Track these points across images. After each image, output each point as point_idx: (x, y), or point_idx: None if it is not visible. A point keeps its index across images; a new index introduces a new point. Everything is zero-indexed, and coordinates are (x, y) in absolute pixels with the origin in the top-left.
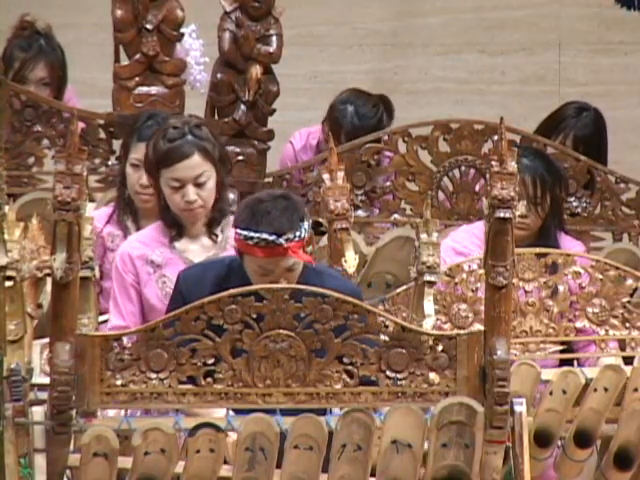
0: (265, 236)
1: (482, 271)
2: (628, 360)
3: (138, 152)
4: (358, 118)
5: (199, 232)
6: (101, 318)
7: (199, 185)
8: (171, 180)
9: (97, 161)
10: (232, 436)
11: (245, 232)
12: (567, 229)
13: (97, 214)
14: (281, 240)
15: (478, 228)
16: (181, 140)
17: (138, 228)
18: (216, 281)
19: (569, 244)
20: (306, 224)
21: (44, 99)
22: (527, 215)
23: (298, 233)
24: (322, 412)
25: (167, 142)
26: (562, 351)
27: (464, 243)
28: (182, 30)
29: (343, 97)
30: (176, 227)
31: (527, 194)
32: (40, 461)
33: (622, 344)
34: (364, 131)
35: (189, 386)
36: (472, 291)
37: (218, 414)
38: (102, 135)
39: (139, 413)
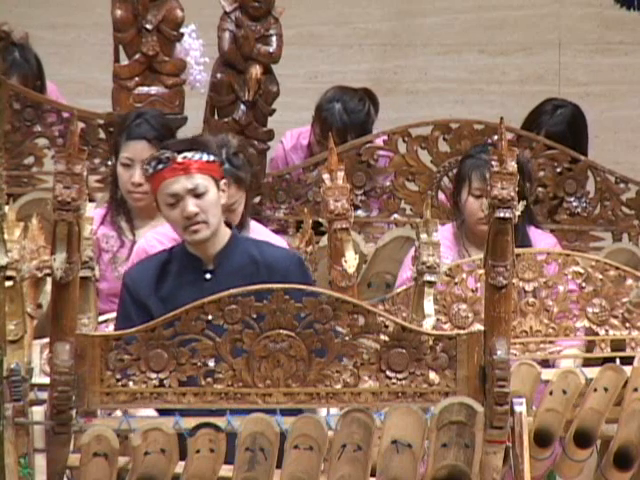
0: (160, 155)
1: (482, 271)
2: (628, 360)
3: (128, 151)
4: (347, 114)
5: None
6: (101, 318)
7: (230, 211)
8: None
9: (97, 161)
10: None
11: (145, 161)
12: (538, 223)
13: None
14: (178, 156)
15: (447, 230)
16: None
17: (132, 228)
18: (158, 268)
19: (539, 237)
20: (212, 157)
21: (44, 99)
22: None
23: (198, 155)
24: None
25: None
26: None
27: None
28: (182, 30)
29: (328, 96)
30: None
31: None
32: (40, 461)
33: (621, 344)
34: (354, 126)
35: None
36: (472, 291)
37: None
38: (102, 135)
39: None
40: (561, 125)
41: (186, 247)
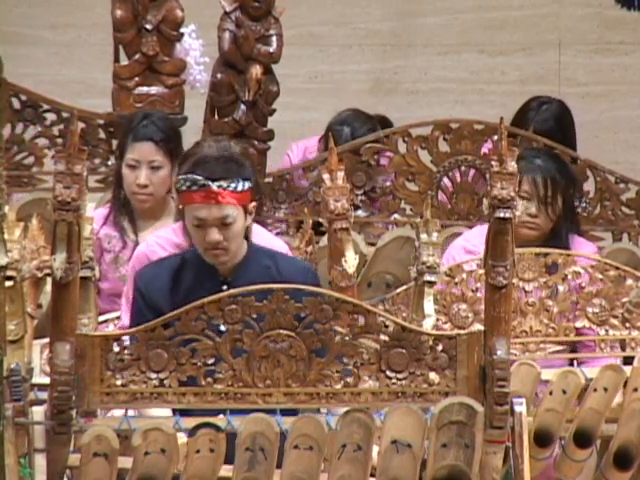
0: (196, 177)
1: (482, 271)
2: (628, 360)
3: (134, 152)
4: (353, 140)
5: None
6: (101, 318)
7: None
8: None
9: (97, 161)
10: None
11: (181, 176)
12: (582, 231)
13: (93, 215)
14: (213, 185)
15: None
16: None
17: (135, 229)
18: (171, 274)
19: (579, 246)
20: (247, 184)
21: (44, 99)
22: (537, 215)
23: (233, 184)
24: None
25: None
26: (563, 351)
27: (474, 242)
28: (182, 30)
29: (341, 117)
30: None
31: (538, 194)
32: (40, 461)
33: (621, 344)
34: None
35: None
36: (472, 291)
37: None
38: (102, 135)
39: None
40: (549, 121)
41: (200, 255)
